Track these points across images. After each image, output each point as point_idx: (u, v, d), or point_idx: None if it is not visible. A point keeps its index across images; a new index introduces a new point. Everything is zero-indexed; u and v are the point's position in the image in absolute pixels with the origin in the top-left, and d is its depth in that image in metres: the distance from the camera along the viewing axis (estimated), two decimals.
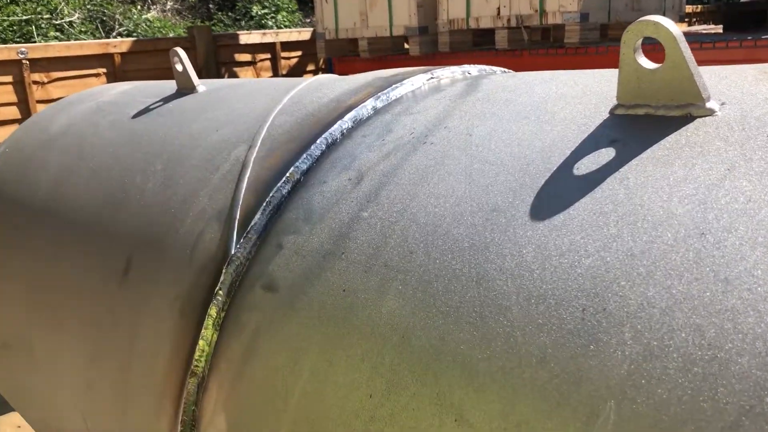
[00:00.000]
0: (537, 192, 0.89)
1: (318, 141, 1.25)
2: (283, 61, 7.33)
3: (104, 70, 6.03)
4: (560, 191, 0.87)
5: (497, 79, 1.29)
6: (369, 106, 1.31)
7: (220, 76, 6.82)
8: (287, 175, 1.22)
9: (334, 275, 1.01)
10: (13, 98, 5.55)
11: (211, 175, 1.37)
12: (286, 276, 1.09)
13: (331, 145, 1.25)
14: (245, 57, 7.09)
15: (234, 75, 6.97)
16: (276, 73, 7.22)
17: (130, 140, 1.78)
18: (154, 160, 1.59)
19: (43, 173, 1.97)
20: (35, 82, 5.68)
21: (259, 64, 7.19)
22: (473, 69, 1.49)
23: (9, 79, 5.56)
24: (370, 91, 1.37)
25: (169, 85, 2.09)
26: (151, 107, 1.94)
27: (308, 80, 1.64)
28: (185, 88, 1.97)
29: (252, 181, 1.28)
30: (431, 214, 0.96)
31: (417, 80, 1.38)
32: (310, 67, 7.66)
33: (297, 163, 1.23)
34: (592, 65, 5.74)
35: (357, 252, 1.00)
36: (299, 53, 7.51)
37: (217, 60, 6.84)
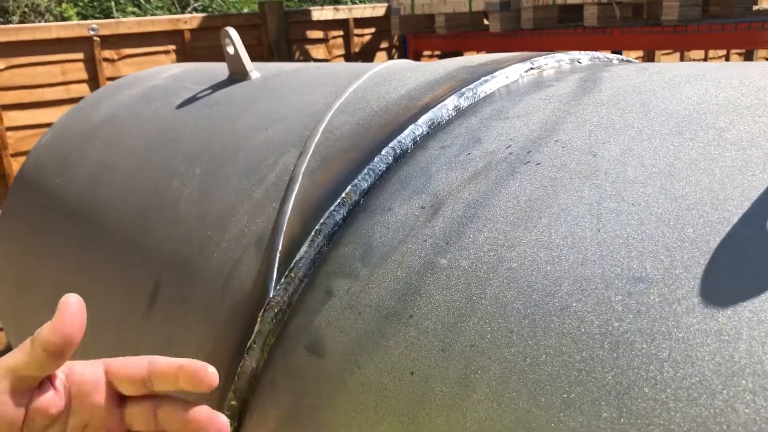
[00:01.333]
0: (710, 256, 0.58)
1: (383, 151, 0.97)
2: (355, 39, 7.05)
3: (174, 47, 5.89)
4: (749, 259, 0.56)
5: (621, 72, 0.98)
6: (450, 105, 1.01)
7: (290, 53, 6.60)
8: (343, 195, 0.95)
9: (398, 347, 0.74)
10: (84, 75, 5.48)
11: (254, 188, 1.11)
12: (336, 337, 0.82)
13: (400, 158, 0.97)
14: (317, 34, 6.84)
15: (305, 53, 6.74)
16: (348, 52, 6.95)
17: (172, 135, 1.55)
18: (194, 162, 1.35)
19: (81, 168, 1.77)
20: (105, 60, 5.59)
21: (331, 42, 6.93)
22: (583, 56, 1.17)
23: (80, 56, 5.49)
24: (451, 85, 1.07)
25: (223, 69, 1.85)
26: (198, 96, 1.70)
27: (376, 67, 1.36)
28: (237, 74, 1.72)
29: (300, 199, 1.01)
30: (540, 275, 0.67)
31: (512, 71, 1.07)
32: (384, 45, 7.35)
33: (356, 180, 0.95)
34: (691, 45, 5.23)
35: (431, 318, 0.72)
36: (372, 30, 7.21)
37: (288, 37, 6.61)
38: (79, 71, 5.51)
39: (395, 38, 7.25)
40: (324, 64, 1.65)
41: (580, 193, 0.72)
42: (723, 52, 9.49)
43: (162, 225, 1.27)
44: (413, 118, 1.01)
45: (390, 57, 7.29)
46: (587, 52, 1.19)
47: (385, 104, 1.10)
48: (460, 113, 1.00)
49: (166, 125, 1.63)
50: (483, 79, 1.05)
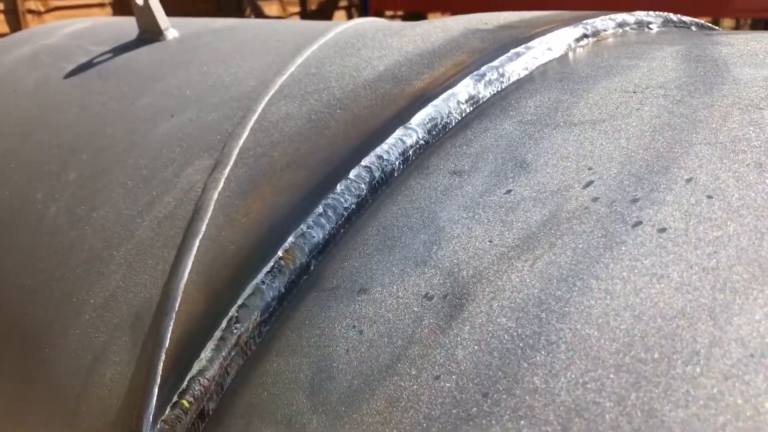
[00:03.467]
0: None
1: (353, 173, 0.57)
2: None
3: None
4: None
5: (755, 48, 0.58)
6: (462, 94, 0.61)
7: (241, 10, 6.05)
8: (281, 253, 0.54)
9: None
10: (5, 29, 4.86)
11: (139, 218, 0.69)
12: None
13: (381, 187, 0.56)
14: None
15: (257, 10, 6.18)
16: (304, 9, 6.42)
17: (52, 117, 1.11)
18: (70, 162, 0.92)
19: None
20: (30, 11, 4.96)
21: None
22: (652, 18, 0.77)
23: None
24: (460, 59, 0.66)
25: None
26: (95, 62, 1.26)
27: (338, 27, 0.94)
28: (148, 33, 1.28)
29: (207, 250, 0.60)
30: None
31: (557, 40, 0.67)
32: (343, 3, 6.84)
33: (304, 226, 0.55)
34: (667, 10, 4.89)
35: None
36: None
37: None
38: None
39: None
40: (266, 21, 1.23)
41: None
42: None
43: (14, 263, 0.84)
44: (401, 116, 0.60)
45: (349, 17, 6.79)
46: (652, 12, 0.79)
47: (353, 88, 0.69)
48: (481, 109, 0.60)
49: (47, 101, 1.19)
50: (513, 51, 0.65)
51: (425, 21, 0.85)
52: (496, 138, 0.54)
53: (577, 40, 0.68)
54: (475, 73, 0.62)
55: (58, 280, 0.74)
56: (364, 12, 6.60)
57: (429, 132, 0.58)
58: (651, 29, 0.75)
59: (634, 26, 0.74)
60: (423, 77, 0.65)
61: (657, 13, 0.78)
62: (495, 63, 0.63)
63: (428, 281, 0.45)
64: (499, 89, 0.61)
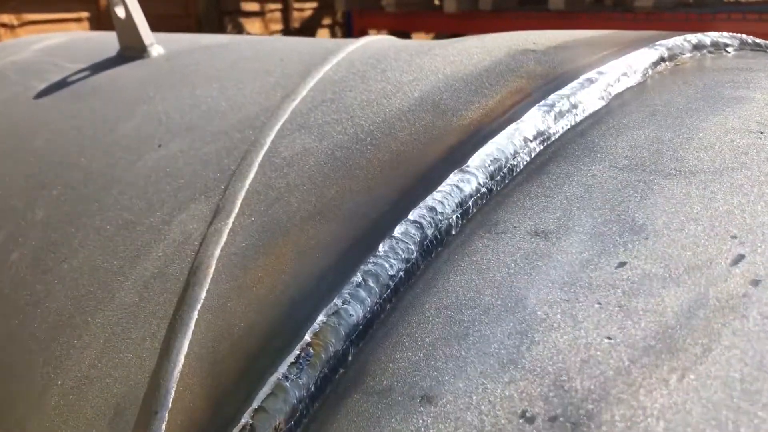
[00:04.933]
0: None
1: (398, 230, 0.44)
2: (295, 13, 6.42)
3: (87, 14, 5.12)
4: None
5: None
6: (528, 128, 0.49)
7: (222, 28, 5.92)
8: (308, 338, 0.41)
9: None
10: None
11: (120, 276, 0.56)
12: None
13: (435, 247, 0.44)
14: (252, 6, 6.16)
15: (239, 27, 6.06)
16: (287, 27, 6.31)
17: (17, 144, 0.98)
18: (36, 198, 0.79)
19: None
20: (3, 25, 4.79)
21: (268, 16, 6.27)
22: (728, 40, 0.67)
23: None
24: (519, 86, 0.55)
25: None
26: (70, 80, 1.12)
27: (349, 46, 0.82)
28: (130, 49, 1.15)
29: (207, 327, 0.47)
30: None
31: (632, 64, 0.56)
32: (326, 21, 6.75)
33: (338, 300, 0.42)
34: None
35: None
36: (314, 5, 6.60)
37: (220, 9, 5.92)
38: None
39: (339, 14, 6.67)
40: (262, 37, 1.11)
41: None
42: None
43: None
44: (453, 155, 0.48)
45: (333, 35, 6.71)
46: (725, 33, 0.68)
47: (384, 119, 0.56)
48: (555, 149, 0.48)
49: (14, 125, 1.05)
50: (584, 77, 0.53)
51: (456, 39, 0.73)
52: (586, 188, 0.42)
53: (654, 64, 0.57)
54: (542, 102, 0.50)
55: (19, 346, 0.60)
56: (347, 30, 6.52)
57: (492, 177, 0.46)
58: (728, 52, 0.64)
59: (711, 48, 0.63)
60: (473, 107, 0.53)
61: (731, 34, 0.67)
62: (565, 91, 0.51)
63: (524, 393, 0.33)
64: (573, 123, 0.50)
